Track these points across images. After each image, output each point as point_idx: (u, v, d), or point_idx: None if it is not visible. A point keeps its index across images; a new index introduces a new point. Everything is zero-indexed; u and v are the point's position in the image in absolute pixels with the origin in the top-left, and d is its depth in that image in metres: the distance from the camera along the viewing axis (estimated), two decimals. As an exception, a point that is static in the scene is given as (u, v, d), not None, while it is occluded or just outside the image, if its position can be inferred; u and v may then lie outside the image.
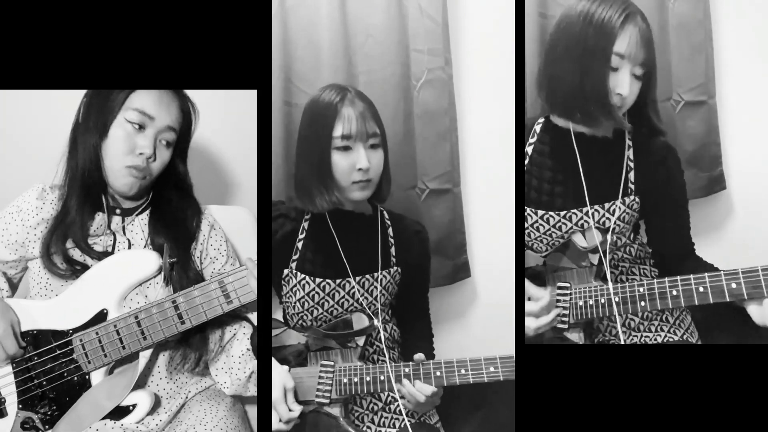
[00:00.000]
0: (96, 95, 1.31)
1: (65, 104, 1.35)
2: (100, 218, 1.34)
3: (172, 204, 1.39)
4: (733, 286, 1.19)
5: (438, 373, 1.31)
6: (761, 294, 1.17)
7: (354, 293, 1.44)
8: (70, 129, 1.33)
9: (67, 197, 1.32)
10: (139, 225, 1.37)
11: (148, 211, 1.39)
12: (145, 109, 1.28)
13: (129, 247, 1.35)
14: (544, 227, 1.40)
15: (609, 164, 1.40)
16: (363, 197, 1.40)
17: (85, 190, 1.31)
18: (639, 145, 1.41)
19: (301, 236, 1.45)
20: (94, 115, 1.29)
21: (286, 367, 1.39)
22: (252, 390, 1.38)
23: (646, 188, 1.40)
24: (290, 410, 1.34)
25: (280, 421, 1.33)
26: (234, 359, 1.36)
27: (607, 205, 1.39)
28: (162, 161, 1.33)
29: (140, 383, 1.32)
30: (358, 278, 1.44)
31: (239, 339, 1.37)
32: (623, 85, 1.30)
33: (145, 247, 1.36)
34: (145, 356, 1.30)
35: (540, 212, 1.40)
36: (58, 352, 1.28)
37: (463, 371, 1.30)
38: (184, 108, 1.36)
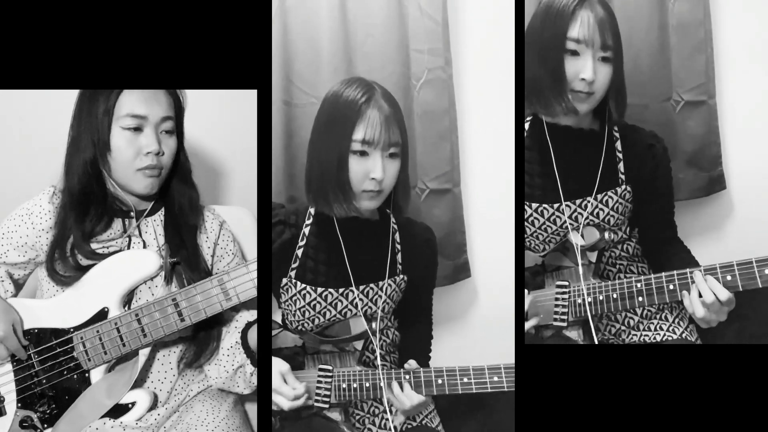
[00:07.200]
0: (81, 112, 1.30)
1: (59, 105, 1.35)
2: (114, 223, 1.34)
3: (175, 193, 1.39)
4: (728, 278, 1.21)
5: (440, 381, 1.29)
6: (755, 285, 1.18)
7: (357, 303, 1.39)
8: (65, 151, 1.32)
9: (65, 216, 1.31)
10: (152, 225, 1.37)
11: (162, 211, 1.39)
12: (135, 111, 1.28)
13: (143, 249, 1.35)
14: (539, 221, 1.40)
15: (596, 156, 1.41)
16: (371, 207, 1.33)
17: (84, 207, 1.30)
18: (626, 134, 1.42)
19: (301, 243, 1.38)
20: (85, 134, 1.29)
21: (276, 358, 1.36)
22: (240, 385, 1.37)
23: (636, 177, 1.41)
24: (294, 388, 1.31)
25: (290, 399, 1.30)
26: (223, 351, 1.36)
27: (599, 197, 1.40)
28: (170, 151, 1.33)
29: (139, 381, 1.32)
30: (362, 287, 1.39)
31: (230, 332, 1.37)
32: (586, 70, 1.30)
33: (159, 246, 1.36)
34: (144, 354, 1.30)
35: (534, 205, 1.40)
36: (59, 350, 1.28)
37: (465, 380, 1.27)
38: (170, 92, 1.35)
